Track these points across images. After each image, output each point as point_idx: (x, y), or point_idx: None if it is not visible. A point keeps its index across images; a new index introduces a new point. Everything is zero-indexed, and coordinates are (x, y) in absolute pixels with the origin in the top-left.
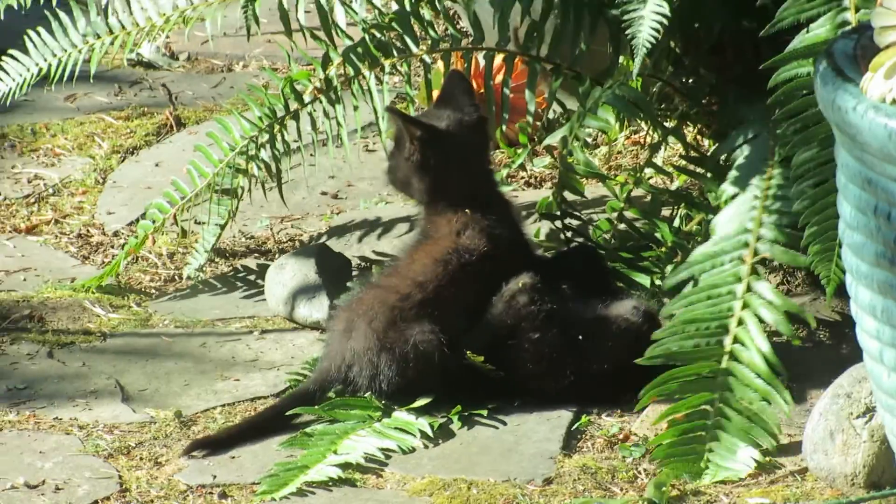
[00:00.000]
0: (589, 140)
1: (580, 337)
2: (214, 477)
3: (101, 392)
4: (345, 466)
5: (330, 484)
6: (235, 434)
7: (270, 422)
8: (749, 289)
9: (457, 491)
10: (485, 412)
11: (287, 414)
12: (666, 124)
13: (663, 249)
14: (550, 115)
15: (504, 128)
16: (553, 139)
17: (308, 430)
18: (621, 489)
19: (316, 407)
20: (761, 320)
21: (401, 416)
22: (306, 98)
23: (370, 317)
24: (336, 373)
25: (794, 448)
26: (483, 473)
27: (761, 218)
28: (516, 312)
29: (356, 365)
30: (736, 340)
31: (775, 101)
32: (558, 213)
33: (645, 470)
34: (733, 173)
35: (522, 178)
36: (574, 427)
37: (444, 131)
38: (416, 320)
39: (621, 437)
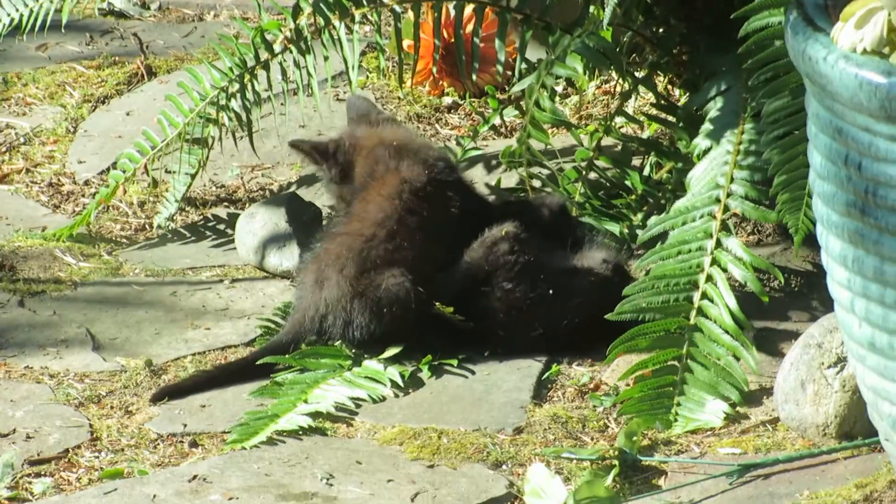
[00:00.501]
0: (559, 90)
1: (550, 290)
2: (185, 426)
3: (71, 341)
4: (315, 415)
5: (300, 433)
6: (204, 381)
7: (242, 371)
8: (719, 245)
9: (427, 440)
10: (455, 362)
11: (258, 363)
12: (636, 74)
13: (633, 197)
14: (521, 66)
15: (475, 77)
16: (521, 87)
17: (278, 378)
18: (592, 438)
19: (286, 356)
20: (731, 276)
21: (371, 365)
22: (277, 48)
23: (340, 265)
24: (310, 324)
25: (766, 398)
26: (453, 423)
27: (732, 173)
28: (495, 259)
29: (330, 314)
30: (705, 296)
31: (746, 49)
32: (524, 161)
33: (615, 419)
34: (706, 126)
35: (493, 127)
36: (544, 377)
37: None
38: (386, 263)
39: (592, 386)
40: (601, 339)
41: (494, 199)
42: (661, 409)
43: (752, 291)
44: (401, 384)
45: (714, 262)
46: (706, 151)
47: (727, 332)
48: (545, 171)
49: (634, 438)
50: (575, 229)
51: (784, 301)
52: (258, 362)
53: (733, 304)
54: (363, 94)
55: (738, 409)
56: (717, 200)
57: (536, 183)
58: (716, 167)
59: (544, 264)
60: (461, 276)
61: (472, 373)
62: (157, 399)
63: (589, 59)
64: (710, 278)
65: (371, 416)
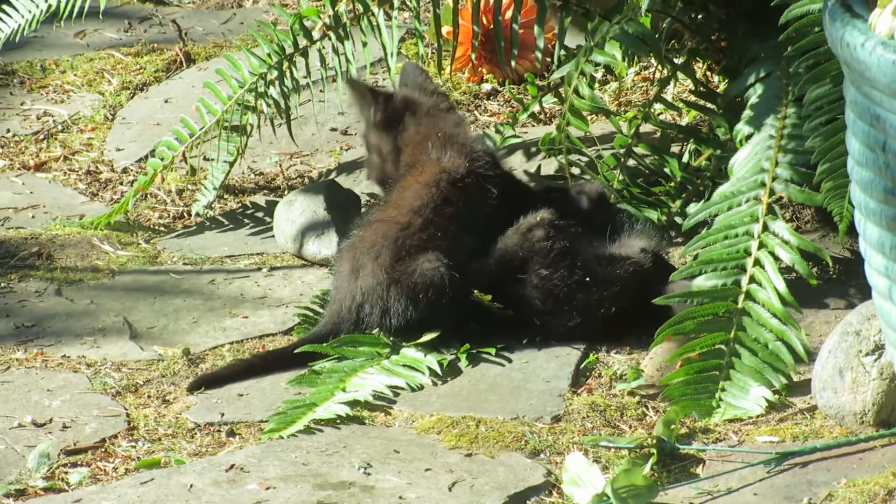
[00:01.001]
0: (598, 77)
1: (587, 278)
2: (222, 415)
3: (108, 330)
4: (353, 404)
5: (338, 421)
6: (241, 371)
7: (280, 360)
8: (765, 228)
9: (465, 428)
10: (492, 350)
11: (296, 352)
12: (675, 60)
13: (672, 184)
14: (560, 53)
15: (514, 63)
16: (559, 74)
17: (316, 367)
18: (630, 427)
19: (324, 345)
20: (778, 260)
21: (409, 353)
22: (315, 35)
23: (375, 253)
24: (347, 314)
25: (804, 386)
26: (491, 411)
27: (777, 157)
28: (530, 246)
29: (367, 303)
30: (752, 280)
31: (787, 37)
32: (563, 148)
33: (654, 408)
34: (748, 113)
35: (533, 114)
36: (582, 365)
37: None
38: (420, 250)
39: (631, 373)
40: (639, 328)
41: (534, 186)
42: (704, 394)
43: (796, 277)
44: (439, 372)
45: (761, 245)
46: (748, 137)
47: (776, 315)
48: (584, 159)
49: (673, 427)
50: (614, 217)
51: (822, 288)
52: (296, 351)
53: (782, 287)
54: (420, 65)
55: (778, 396)
56: (763, 184)
57: (576, 170)
58: (760, 152)
59: (581, 251)
60: (496, 263)
61: (510, 361)
62: (194, 388)
63: (627, 46)
64: (757, 262)
65: (409, 405)
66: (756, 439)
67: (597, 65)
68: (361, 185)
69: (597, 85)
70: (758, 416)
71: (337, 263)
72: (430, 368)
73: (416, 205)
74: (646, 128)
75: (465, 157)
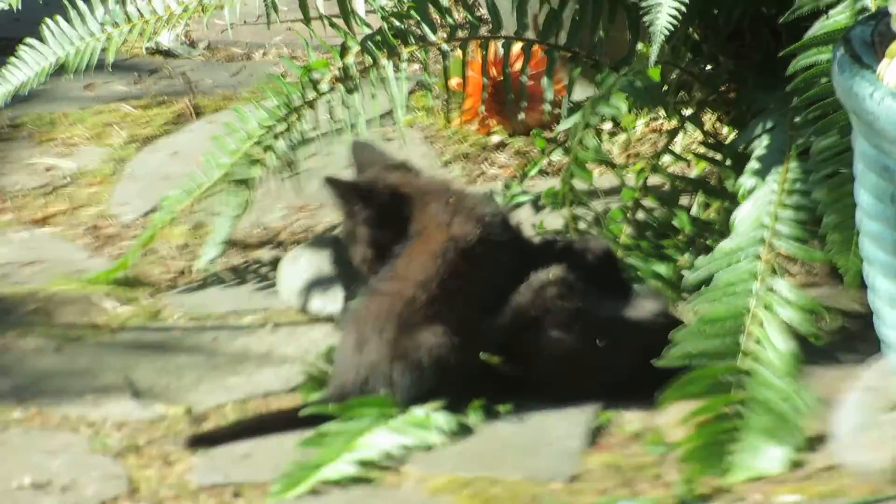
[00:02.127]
0: (608, 128)
1: (600, 341)
2: (227, 476)
3: (109, 388)
4: (362, 464)
5: (346, 483)
6: (245, 430)
7: (285, 421)
8: (766, 286)
9: (479, 489)
10: (504, 408)
11: (301, 416)
12: (684, 112)
13: (681, 237)
14: (568, 105)
15: (522, 115)
16: (565, 127)
17: (323, 428)
18: (648, 486)
19: (330, 406)
20: (780, 318)
21: (419, 413)
22: (324, 87)
23: (379, 327)
24: (352, 388)
25: (822, 443)
26: (505, 471)
27: (777, 213)
28: (542, 304)
29: (371, 379)
30: (755, 340)
31: (795, 87)
32: (567, 202)
33: (671, 467)
34: (752, 165)
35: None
36: (596, 423)
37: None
38: (425, 323)
39: (644, 433)
40: (654, 384)
41: (538, 239)
42: (718, 457)
43: (802, 333)
44: (450, 431)
45: (761, 303)
46: (751, 191)
47: (781, 376)
48: (590, 213)
49: (693, 486)
50: (620, 274)
51: (835, 342)
52: (302, 413)
53: (785, 347)
54: (368, 141)
55: (797, 454)
56: (763, 241)
57: (582, 224)
58: (761, 206)
59: (593, 312)
60: (508, 322)
61: (522, 420)
62: (193, 445)
63: (633, 98)
64: (759, 321)
65: (420, 465)
66: (780, 498)
67: (602, 117)
68: None
69: (605, 137)
70: (780, 475)
71: (341, 334)
72: (440, 427)
73: (421, 279)
74: (654, 180)
75: (474, 223)
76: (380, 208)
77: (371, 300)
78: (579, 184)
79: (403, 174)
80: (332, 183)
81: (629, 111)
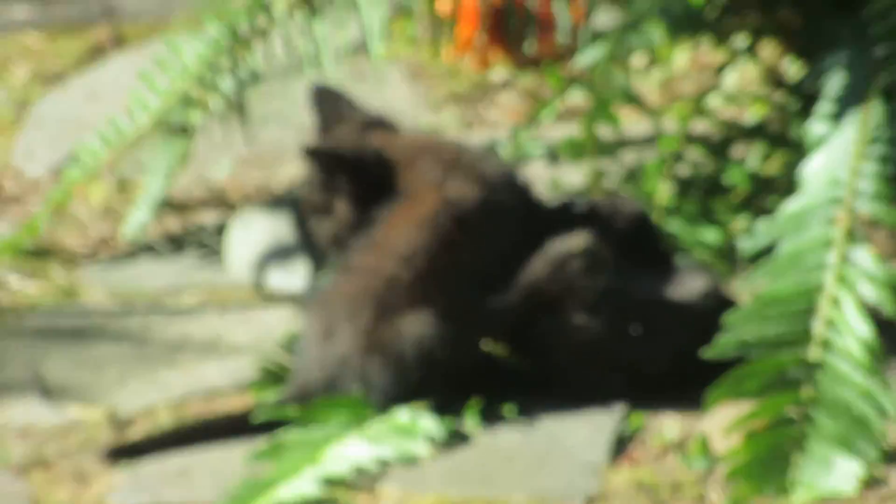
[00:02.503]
0: (639, 63)
1: (636, 325)
2: (157, 497)
3: (13, 385)
4: (328, 482)
5: None
6: (181, 438)
7: (231, 427)
8: (844, 258)
9: None
10: (509, 411)
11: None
12: (737, 41)
13: (735, 198)
14: (589, 33)
15: (531, 45)
16: (586, 60)
17: (280, 437)
18: None
19: (289, 409)
20: (860, 297)
21: (401, 416)
22: (279, 11)
23: (352, 311)
24: (316, 386)
25: None
26: (507, 489)
27: (856, 166)
28: (562, 280)
29: (341, 375)
30: (829, 325)
31: (875, 12)
32: (590, 153)
33: (717, 486)
34: (823, 108)
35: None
36: (624, 430)
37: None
38: (409, 308)
39: (683, 443)
40: (696, 382)
41: (554, 201)
42: (776, 472)
43: (884, 319)
44: (439, 439)
45: (839, 279)
46: (823, 139)
47: (859, 369)
48: (619, 167)
49: None
50: (657, 243)
51: None
52: (253, 421)
53: (866, 333)
54: (333, 87)
55: (876, 469)
56: (838, 201)
57: (608, 182)
58: (835, 159)
59: (625, 290)
60: (517, 304)
61: (531, 425)
62: (115, 457)
63: (672, 25)
64: (834, 301)
65: (401, 482)
66: None
67: (632, 48)
68: None
69: (637, 74)
70: (853, 495)
71: (305, 319)
72: (427, 435)
73: (405, 253)
74: (700, 127)
75: (473, 182)
76: (368, 182)
77: (343, 277)
78: (605, 131)
79: (386, 134)
80: (316, 154)
81: (666, 41)
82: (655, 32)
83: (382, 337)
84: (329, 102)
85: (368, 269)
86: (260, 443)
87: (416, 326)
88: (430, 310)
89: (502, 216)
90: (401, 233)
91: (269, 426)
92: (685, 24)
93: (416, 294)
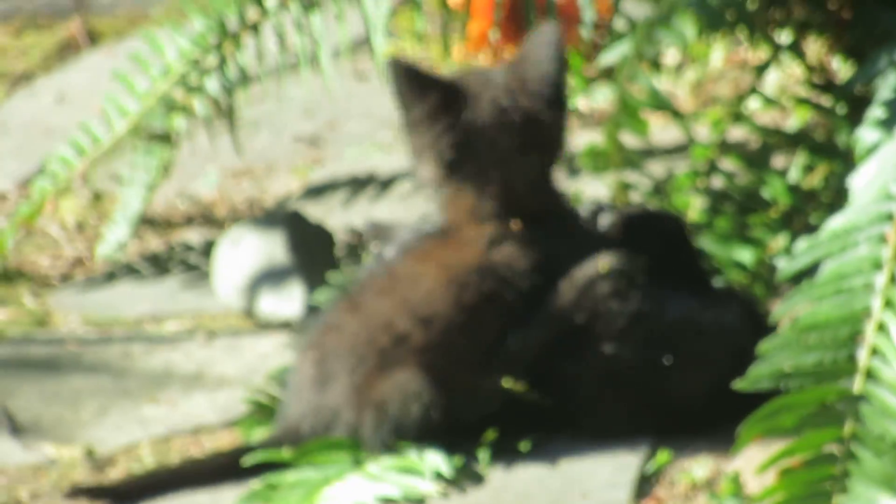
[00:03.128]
0: (670, 62)
1: (669, 349)
2: None
3: None
4: None
5: None
6: (167, 480)
7: (221, 469)
8: (893, 280)
9: None
10: (524, 447)
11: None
12: (779, 38)
13: (774, 213)
14: (617, 28)
15: None
16: (611, 58)
17: (273, 480)
18: None
19: (283, 453)
20: None
21: (407, 452)
22: (270, 4)
23: (351, 362)
24: (306, 431)
25: None
26: None
27: None
28: (593, 306)
29: (332, 425)
30: (875, 353)
31: None
32: (613, 162)
33: None
34: (875, 112)
35: (574, 114)
36: (649, 468)
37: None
38: (414, 368)
39: (714, 482)
40: (728, 416)
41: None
42: None
43: None
44: (449, 477)
45: (887, 303)
46: (874, 148)
47: None
48: (647, 178)
49: None
50: (695, 260)
51: None
52: (245, 463)
53: None
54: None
55: None
56: (891, 217)
57: (634, 195)
58: (888, 170)
59: (658, 316)
60: (544, 335)
61: (549, 463)
62: (93, 500)
63: (705, 19)
64: (881, 327)
65: None
66: None
67: (662, 46)
68: (336, 215)
69: (668, 74)
70: None
71: (299, 355)
72: (435, 472)
73: (424, 313)
74: (737, 133)
75: (527, 258)
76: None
77: (348, 314)
78: (631, 138)
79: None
80: (397, 66)
81: (699, 37)
82: (688, 27)
83: (380, 395)
84: (408, 78)
85: (378, 316)
86: (251, 485)
87: (416, 389)
88: (437, 374)
89: (547, 278)
90: (427, 285)
91: (260, 467)
92: (721, 18)
93: (426, 359)
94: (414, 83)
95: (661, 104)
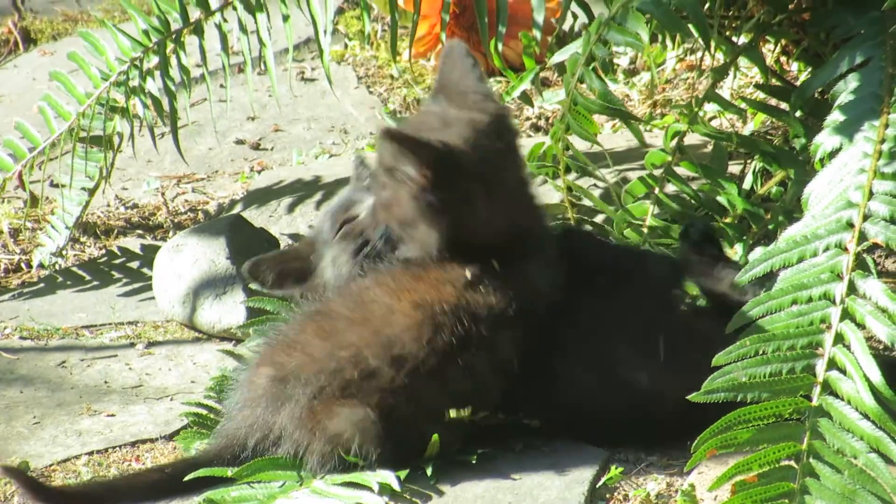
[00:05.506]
0: (624, 64)
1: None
2: None
3: None
4: None
5: None
6: (103, 495)
7: (161, 484)
8: (853, 290)
9: None
10: (473, 458)
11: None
12: (736, 40)
13: (730, 220)
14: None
15: (501, 45)
16: (559, 59)
17: (216, 496)
18: None
19: (227, 469)
20: (871, 335)
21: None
22: (214, 3)
23: (314, 389)
24: (253, 447)
25: None
26: None
27: (871, 185)
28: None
29: (281, 444)
30: (833, 366)
31: (894, 5)
32: (561, 167)
33: None
34: (834, 118)
35: (528, 118)
36: (601, 482)
37: (460, 153)
38: (370, 403)
39: (667, 497)
40: (684, 429)
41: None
42: None
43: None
44: (397, 489)
45: (846, 314)
46: (834, 154)
47: (866, 416)
48: (599, 184)
49: None
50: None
51: None
52: (188, 478)
53: (876, 376)
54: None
55: None
56: (850, 225)
57: (586, 199)
58: (847, 177)
59: (610, 321)
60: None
61: (499, 475)
62: None
63: (658, 21)
64: (840, 339)
65: None
66: None
67: (613, 47)
68: (281, 221)
69: (620, 76)
70: None
71: (251, 371)
72: (383, 485)
73: (397, 352)
74: (692, 138)
75: (506, 296)
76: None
77: (315, 338)
78: (580, 142)
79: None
80: (392, 135)
81: (653, 41)
82: (641, 29)
83: (335, 428)
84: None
85: (350, 346)
86: (193, 501)
87: (372, 430)
88: (398, 415)
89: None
90: (401, 322)
91: (200, 481)
92: (677, 20)
93: (391, 399)
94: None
95: (613, 107)
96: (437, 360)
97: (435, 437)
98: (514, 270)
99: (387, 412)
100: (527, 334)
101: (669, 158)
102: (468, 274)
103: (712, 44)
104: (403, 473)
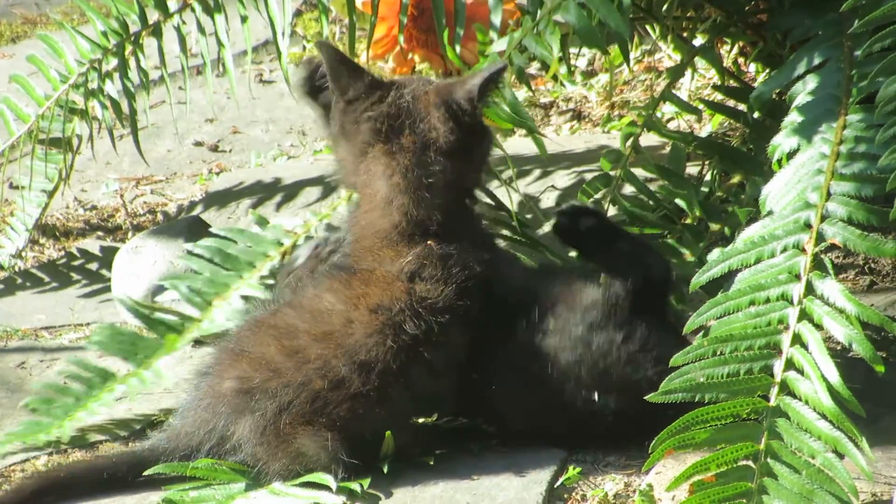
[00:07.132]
0: (582, 65)
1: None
2: None
3: None
4: None
5: None
6: (49, 489)
7: (109, 478)
8: (810, 290)
9: None
10: (431, 459)
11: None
12: (693, 41)
13: (688, 221)
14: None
15: (459, 48)
16: (500, 47)
17: (174, 496)
18: None
19: (182, 465)
20: (829, 336)
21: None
22: (172, 5)
23: (281, 401)
24: (212, 447)
25: None
26: None
27: (829, 186)
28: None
29: (235, 453)
30: (791, 366)
31: (852, 6)
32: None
33: None
34: (792, 119)
35: None
36: (559, 483)
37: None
38: (335, 419)
39: (625, 497)
40: (643, 428)
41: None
42: None
43: (858, 357)
44: (357, 491)
45: (803, 315)
46: (791, 155)
47: (824, 416)
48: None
49: None
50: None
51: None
52: (146, 474)
53: (833, 375)
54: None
55: None
56: (807, 226)
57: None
58: (805, 178)
59: (562, 326)
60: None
61: (456, 476)
62: None
63: (577, 34)
64: (798, 339)
65: None
66: None
67: (531, 59)
68: (240, 223)
69: (578, 78)
70: None
71: (213, 379)
72: (341, 485)
73: (363, 358)
74: (651, 139)
75: (453, 287)
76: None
77: (281, 356)
78: (522, 144)
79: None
80: (323, 46)
81: (564, 54)
82: (555, 41)
83: (297, 448)
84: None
85: (317, 358)
86: (150, 499)
87: (333, 452)
88: (367, 419)
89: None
90: (363, 331)
91: (159, 480)
92: (596, 35)
93: (354, 409)
94: (348, 63)
95: (523, 124)
96: (399, 362)
97: (388, 433)
98: (450, 252)
99: (355, 421)
100: (471, 321)
101: (627, 160)
102: (408, 265)
103: (631, 59)
104: (367, 482)
